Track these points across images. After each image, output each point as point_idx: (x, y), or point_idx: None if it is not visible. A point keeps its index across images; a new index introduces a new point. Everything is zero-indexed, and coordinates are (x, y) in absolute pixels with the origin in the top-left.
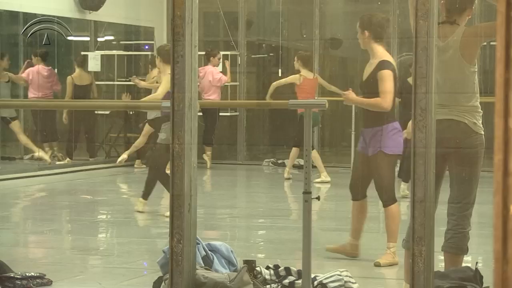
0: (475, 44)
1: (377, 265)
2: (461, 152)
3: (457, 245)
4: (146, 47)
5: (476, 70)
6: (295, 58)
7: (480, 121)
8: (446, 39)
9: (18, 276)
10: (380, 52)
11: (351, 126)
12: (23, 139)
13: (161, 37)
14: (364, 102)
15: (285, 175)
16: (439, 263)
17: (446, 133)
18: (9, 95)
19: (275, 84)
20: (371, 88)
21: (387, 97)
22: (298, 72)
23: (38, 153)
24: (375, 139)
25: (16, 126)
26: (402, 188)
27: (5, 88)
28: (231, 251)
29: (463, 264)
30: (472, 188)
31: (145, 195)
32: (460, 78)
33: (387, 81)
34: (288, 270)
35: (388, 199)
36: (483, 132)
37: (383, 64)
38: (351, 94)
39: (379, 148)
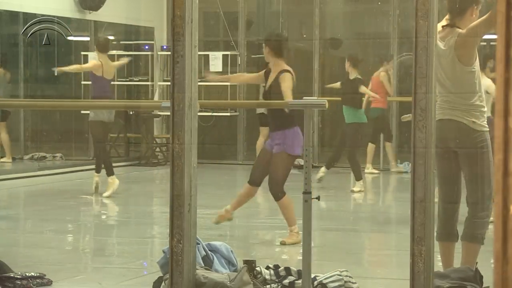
0: (469, 45)
1: (283, 243)
2: (466, 152)
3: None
4: (146, 47)
5: (475, 69)
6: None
7: (483, 120)
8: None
9: (18, 276)
10: (280, 65)
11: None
12: None
13: (161, 37)
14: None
15: (368, 170)
16: (439, 263)
17: (446, 133)
18: None
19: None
20: (272, 94)
21: (287, 94)
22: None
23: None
24: (281, 141)
25: None
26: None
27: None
28: (231, 251)
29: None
30: (484, 185)
31: (96, 169)
32: (458, 78)
33: (286, 81)
34: (288, 270)
35: (279, 193)
36: (485, 129)
37: (283, 71)
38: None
39: (283, 149)
